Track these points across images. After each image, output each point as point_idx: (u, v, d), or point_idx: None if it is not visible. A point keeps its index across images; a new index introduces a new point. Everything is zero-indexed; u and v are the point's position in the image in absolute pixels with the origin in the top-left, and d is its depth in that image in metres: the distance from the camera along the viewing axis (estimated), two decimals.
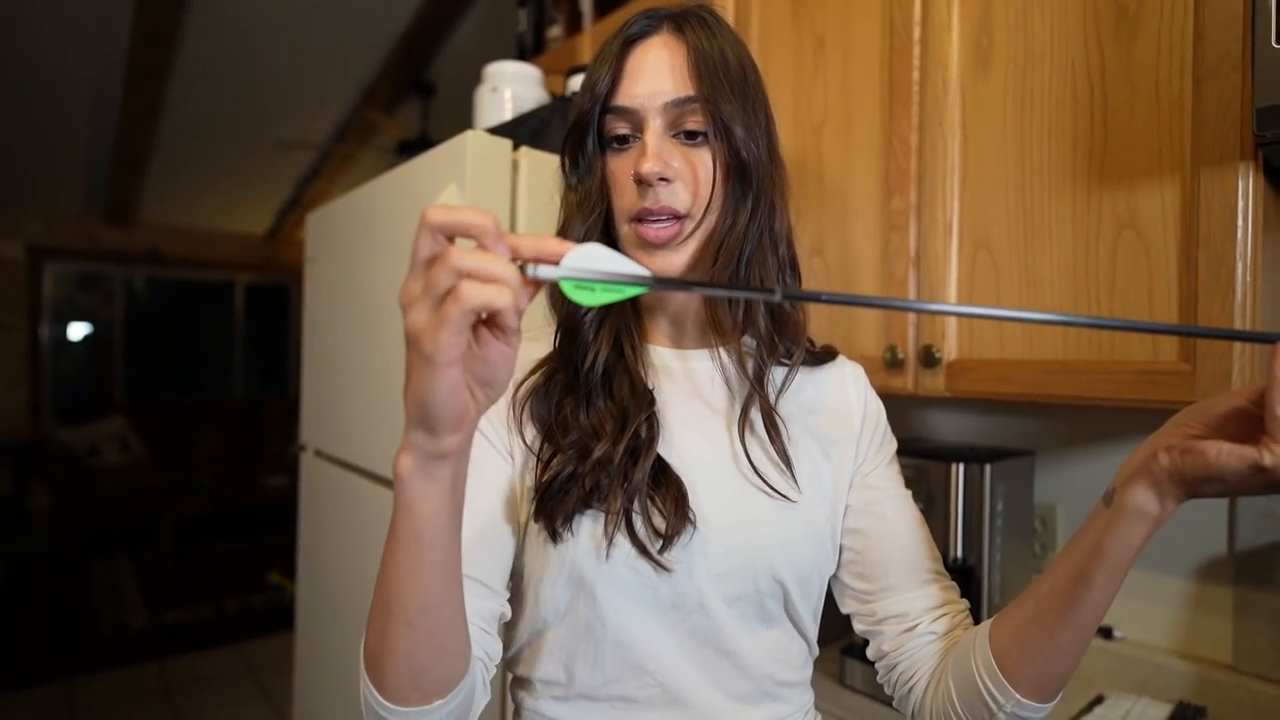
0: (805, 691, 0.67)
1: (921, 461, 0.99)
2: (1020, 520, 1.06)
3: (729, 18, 1.25)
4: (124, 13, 3.18)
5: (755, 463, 0.60)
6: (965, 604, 0.65)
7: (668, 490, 0.56)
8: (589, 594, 0.57)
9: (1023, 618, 0.54)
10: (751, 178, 0.59)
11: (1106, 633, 1.08)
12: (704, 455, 0.61)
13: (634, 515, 0.56)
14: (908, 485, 1.04)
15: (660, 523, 0.56)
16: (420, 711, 0.48)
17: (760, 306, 0.63)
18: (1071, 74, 0.86)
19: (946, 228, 0.97)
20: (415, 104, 4.10)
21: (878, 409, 0.71)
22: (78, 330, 5.58)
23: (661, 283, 0.39)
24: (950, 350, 0.97)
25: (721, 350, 0.65)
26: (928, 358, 0.97)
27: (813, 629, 0.65)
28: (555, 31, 1.80)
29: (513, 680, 0.65)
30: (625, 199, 0.60)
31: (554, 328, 0.64)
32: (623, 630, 0.57)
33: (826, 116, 1.12)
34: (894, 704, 0.65)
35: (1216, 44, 0.74)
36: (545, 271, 0.36)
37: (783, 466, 0.61)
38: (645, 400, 0.59)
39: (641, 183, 0.58)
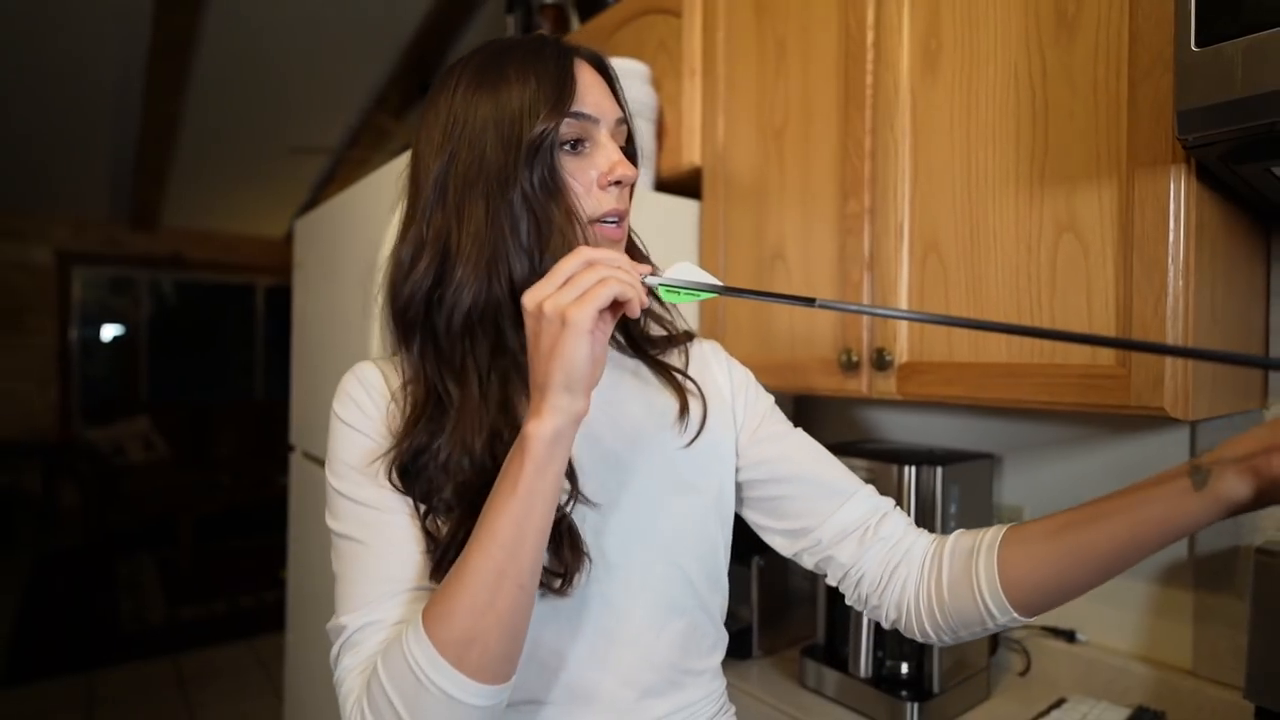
0: (715, 678, 0.68)
1: (874, 464, 0.99)
2: (978, 523, 1.05)
3: (696, 20, 1.26)
4: (142, 26, 3.27)
5: (667, 412, 0.66)
6: (890, 500, 0.70)
7: (561, 541, 0.56)
8: None
9: (1047, 557, 0.56)
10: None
11: (1069, 636, 1.07)
12: (607, 473, 0.63)
13: None
14: None
15: (557, 566, 0.56)
16: (508, 687, 0.50)
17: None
18: (1014, 77, 0.86)
19: (898, 231, 0.97)
20: None
21: (743, 375, 0.75)
22: (105, 332, 5.75)
23: (731, 291, 0.54)
24: (901, 353, 0.97)
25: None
26: (880, 360, 0.98)
27: (720, 610, 0.68)
28: None
29: None
30: (589, 200, 0.59)
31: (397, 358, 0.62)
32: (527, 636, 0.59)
33: (788, 120, 1.13)
34: (865, 613, 0.69)
35: (1150, 46, 0.74)
36: (650, 280, 0.52)
37: (690, 394, 0.66)
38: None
39: (618, 185, 0.60)
